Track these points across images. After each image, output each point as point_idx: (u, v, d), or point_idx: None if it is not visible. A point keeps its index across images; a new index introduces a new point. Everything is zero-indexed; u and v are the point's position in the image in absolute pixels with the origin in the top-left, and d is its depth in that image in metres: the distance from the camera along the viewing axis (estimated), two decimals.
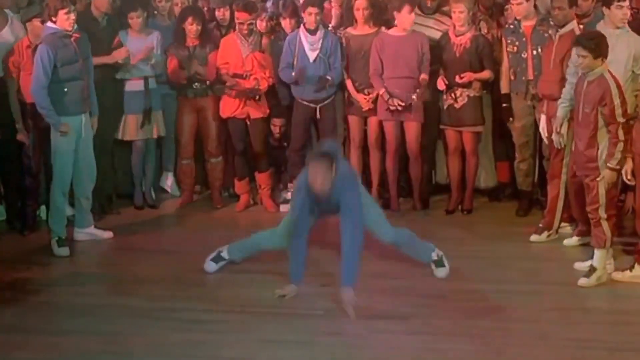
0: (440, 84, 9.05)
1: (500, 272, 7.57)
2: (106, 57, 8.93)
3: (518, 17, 8.83)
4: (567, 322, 6.51)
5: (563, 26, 8.31)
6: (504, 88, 9.00)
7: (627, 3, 7.79)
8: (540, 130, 8.50)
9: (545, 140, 8.45)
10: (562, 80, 8.04)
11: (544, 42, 8.58)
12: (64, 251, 8.12)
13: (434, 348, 6.05)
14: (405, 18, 8.94)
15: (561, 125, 7.92)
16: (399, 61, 8.98)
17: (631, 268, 7.29)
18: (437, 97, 9.23)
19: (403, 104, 8.90)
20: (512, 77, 8.91)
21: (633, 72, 7.79)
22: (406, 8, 8.91)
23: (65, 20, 7.97)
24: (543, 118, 8.40)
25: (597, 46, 7.05)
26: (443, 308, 6.76)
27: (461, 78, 8.90)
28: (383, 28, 9.26)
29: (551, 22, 8.59)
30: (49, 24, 8.03)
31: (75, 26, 8.09)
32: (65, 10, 7.96)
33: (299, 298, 6.97)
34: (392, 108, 8.97)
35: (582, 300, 6.94)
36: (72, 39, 8.07)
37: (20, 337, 6.32)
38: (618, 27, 7.81)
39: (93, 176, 8.45)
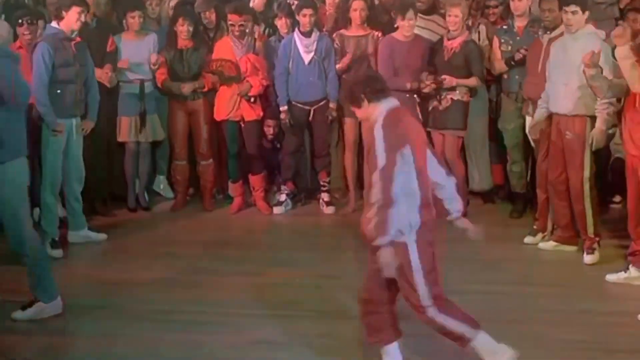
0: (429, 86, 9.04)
1: (494, 273, 7.58)
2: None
3: (517, 13, 8.87)
4: (562, 324, 6.51)
5: (553, 29, 8.26)
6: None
7: (572, 8, 7.55)
8: (527, 131, 8.53)
9: (532, 143, 8.48)
10: None
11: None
12: (58, 253, 8.10)
13: (425, 350, 6.01)
14: (408, 24, 8.92)
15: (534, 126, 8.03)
16: (406, 68, 8.99)
17: (625, 270, 7.31)
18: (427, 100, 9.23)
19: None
20: (506, 76, 8.96)
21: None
22: (410, 13, 8.89)
23: (75, 20, 7.95)
24: (529, 119, 8.43)
25: None
26: None
27: (443, 79, 8.88)
28: (376, 32, 9.27)
29: (542, 24, 8.58)
30: (53, 24, 8.05)
31: (76, 32, 8.10)
32: (79, 9, 7.95)
33: (291, 300, 6.98)
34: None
35: (577, 302, 6.94)
36: (73, 42, 8.07)
37: (15, 339, 6.32)
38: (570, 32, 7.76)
39: (81, 179, 8.45)
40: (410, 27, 8.89)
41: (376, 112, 5.29)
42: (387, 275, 5.28)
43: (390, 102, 5.36)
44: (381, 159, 5.14)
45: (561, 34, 8.05)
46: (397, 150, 5.14)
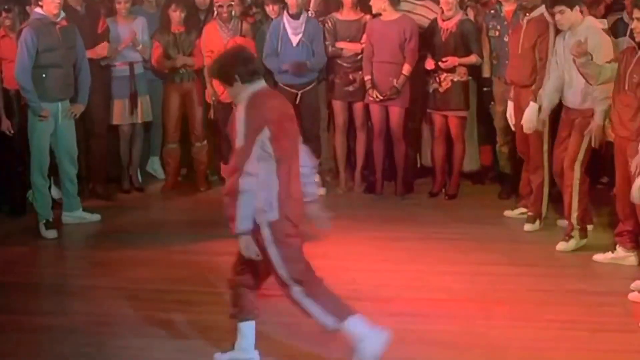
0: (429, 64, 9.09)
1: (482, 254, 7.63)
2: (89, 52, 8.80)
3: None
4: (549, 304, 6.58)
5: (532, 9, 8.19)
6: (486, 72, 9.11)
7: (557, 9, 7.53)
8: (508, 116, 8.53)
9: (512, 127, 8.51)
10: (532, 68, 8.08)
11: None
12: (52, 233, 8.16)
13: (416, 329, 6.11)
14: (373, 2, 9.04)
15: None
16: (382, 46, 9.04)
17: (612, 250, 7.39)
18: (424, 81, 9.28)
19: (381, 97, 9.00)
20: (495, 61, 8.99)
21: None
22: None
23: (50, 3, 7.96)
24: (510, 105, 8.45)
25: None
26: (425, 290, 6.83)
27: (444, 62, 8.96)
28: (367, 16, 9.31)
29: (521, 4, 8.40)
30: (37, 9, 8.06)
31: (63, 14, 8.12)
32: None
33: None
34: (369, 99, 9.08)
35: (564, 282, 7.01)
36: (58, 26, 8.09)
37: (8, 318, 6.38)
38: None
39: (74, 161, 8.49)
40: (374, 6, 9.04)
41: (244, 93, 5.25)
42: (248, 257, 5.36)
43: (261, 84, 5.34)
44: (239, 141, 5.15)
45: (540, 15, 8.05)
46: (256, 134, 5.12)
